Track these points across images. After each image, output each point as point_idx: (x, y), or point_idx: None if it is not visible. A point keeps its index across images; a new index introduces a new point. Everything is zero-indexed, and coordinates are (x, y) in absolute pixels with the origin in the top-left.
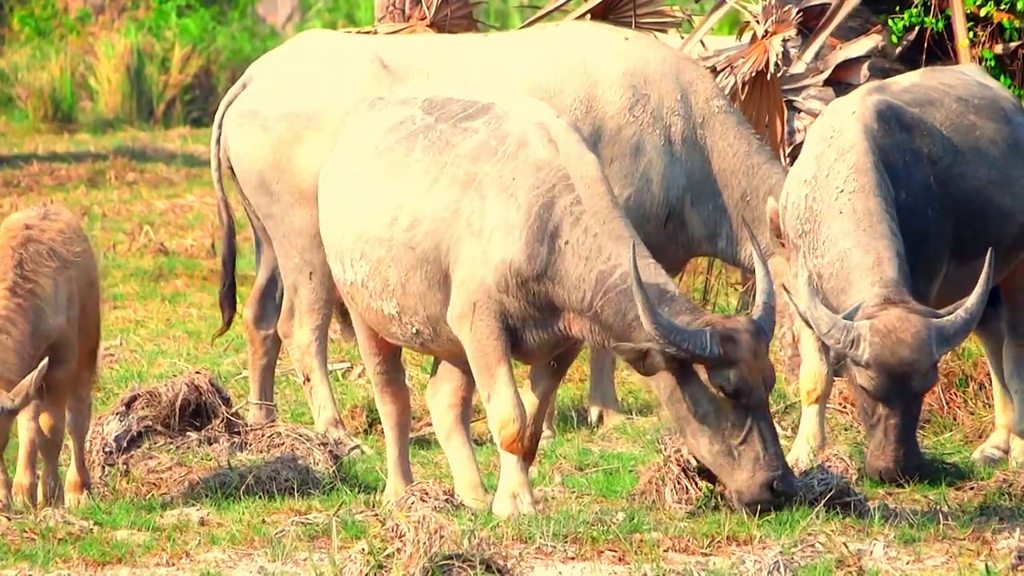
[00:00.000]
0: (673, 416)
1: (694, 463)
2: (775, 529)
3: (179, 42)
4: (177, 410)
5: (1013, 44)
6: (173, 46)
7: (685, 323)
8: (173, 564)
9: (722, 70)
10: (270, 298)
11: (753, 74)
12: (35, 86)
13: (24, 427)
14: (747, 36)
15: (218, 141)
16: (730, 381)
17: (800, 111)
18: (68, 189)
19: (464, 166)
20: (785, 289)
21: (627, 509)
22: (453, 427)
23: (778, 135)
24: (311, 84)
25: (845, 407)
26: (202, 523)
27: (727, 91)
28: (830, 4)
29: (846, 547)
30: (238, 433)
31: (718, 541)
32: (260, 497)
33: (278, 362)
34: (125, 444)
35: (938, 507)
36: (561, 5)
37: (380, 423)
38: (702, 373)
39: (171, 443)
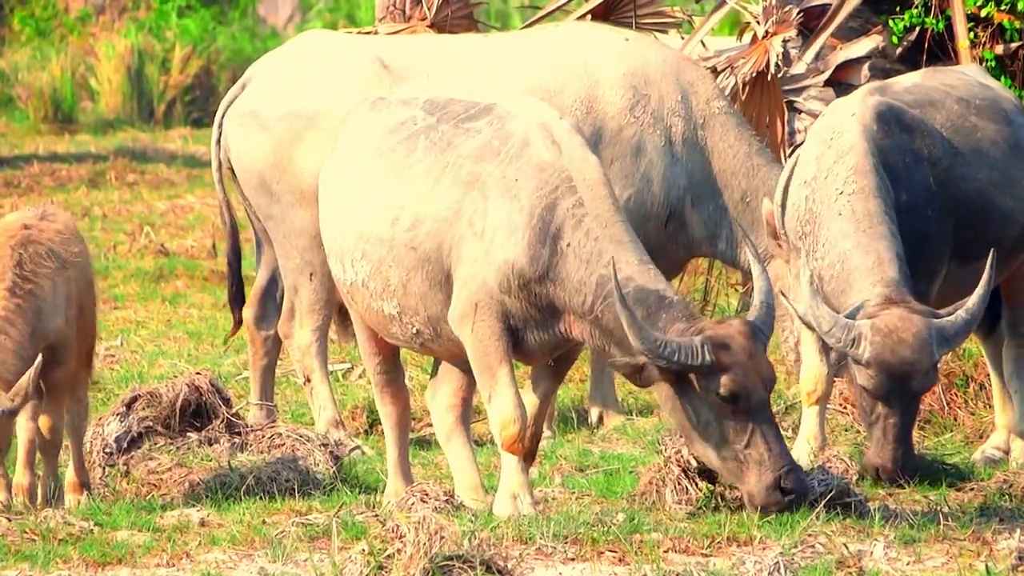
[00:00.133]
0: (676, 425)
1: (694, 464)
2: (775, 530)
3: (180, 42)
4: (178, 411)
5: (1014, 45)
6: (174, 46)
7: (680, 330)
8: (173, 565)
9: (722, 71)
10: (271, 299)
11: (754, 75)
12: (35, 86)
13: (23, 427)
14: (747, 37)
15: (218, 142)
16: (726, 388)
17: (801, 112)
18: (69, 190)
19: (466, 166)
20: (783, 294)
21: (627, 510)
22: (453, 428)
23: (778, 136)
24: (311, 84)
25: (845, 408)
26: (202, 524)
27: (728, 92)
28: (831, 5)
29: (846, 548)
30: (239, 434)
31: (718, 542)
32: (260, 498)
33: (279, 363)
34: (125, 445)
35: (938, 508)
36: (562, 5)
37: (380, 424)
38: (698, 382)
39: (171, 444)
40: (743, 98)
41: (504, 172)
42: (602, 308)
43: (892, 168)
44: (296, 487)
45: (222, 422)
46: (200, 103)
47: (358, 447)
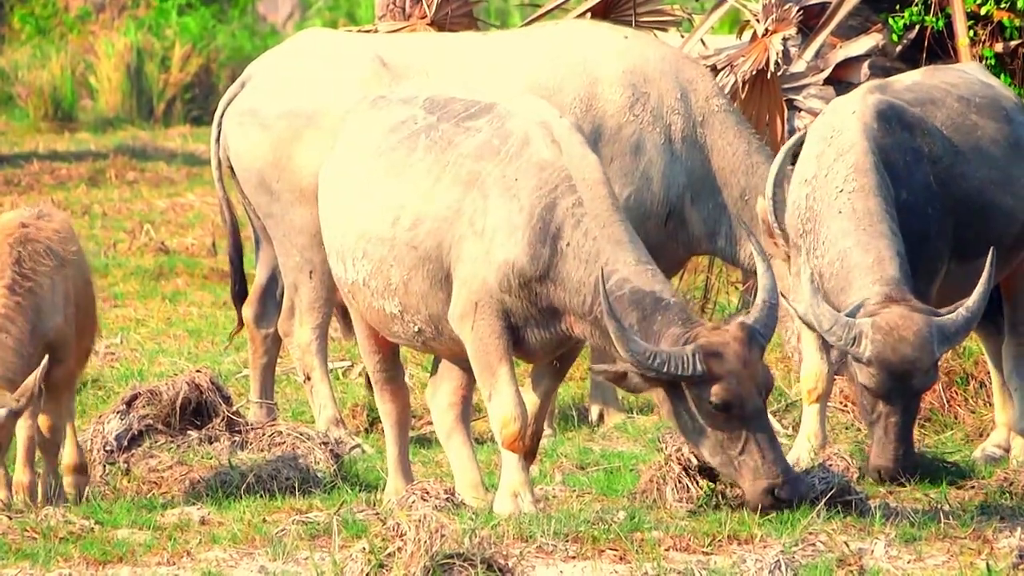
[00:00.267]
0: (675, 428)
1: (695, 462)
2: (776, 528)
3: (179, 41)
4: (178, 409)
5: (1013, 42)
6: (173, 45)
7: (674, 337)
8: (174, 563)
9: (722, 69)
10: (270, 297)
11: (753, 73)
12: (35, 85)
13: (22, 426)
14: (747, 35)
15: (218, 140)
16: (718, 397)
17: (800, 110)
18: (68, 188)
19: (467, 165)
20: (782, 295)
21: (628, 508)
22: (453, 426)
23: (778, 134)
24: (311, 83)
25: (846, 406)
26: (203, 522)
27: (727, 90)
28: (830, 3)
29: (847, 546)
30: (239, 432)
31: (719, 540)
32: (261, 496)
33: (279, 361)
34: (126, 443)
35: (939, 506)
36: (561, 3)
37: (381, 422)
38: (689, 391)
39: (172, 442)
40: (743, 96)
41: (504, 171)
42: (600, 309)
43: (892, 166)
44: (296, 485)
45: (222, 420)
46: (200, 101)
47: (358, 445)
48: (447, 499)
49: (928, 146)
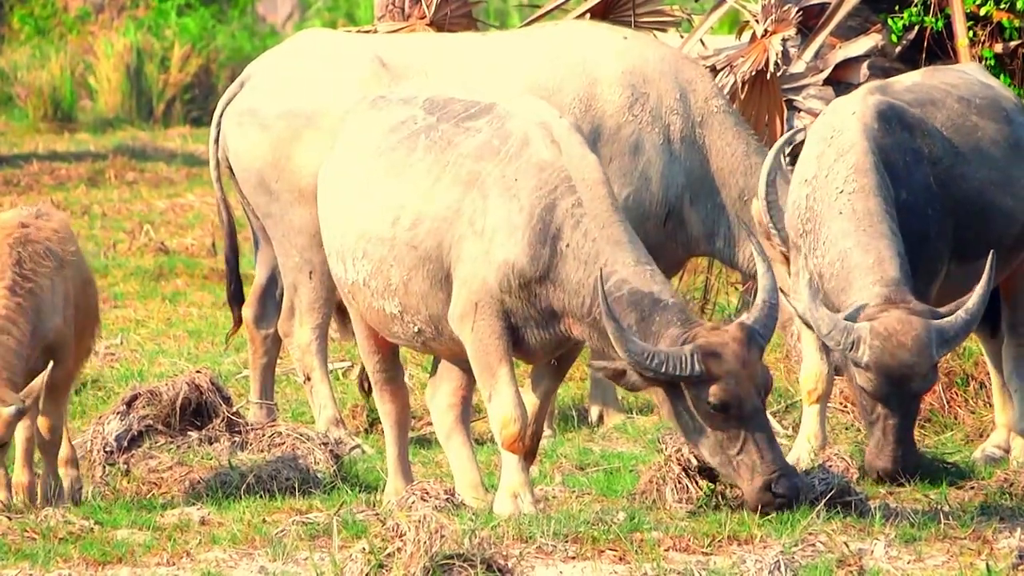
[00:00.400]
0: (674, 428)
1: (695, 462)
2: (776, 528)
3: (179, 41)
4: (178, 409)
5: (1013, 43)
6: (173, 45)
7: (673, 337)
8: (174, 564)
9: (721, 69)
10: (270, 297)
11: (753, 73)
12: (35, 85)
13: (21, 426)
14: (747, 35)
15: (217, 140)
16: (716, 398)
17: (800, 110)
18: (68, 188)
19: (467, 165)
20: (783, 292)
21: (628, 508)
22: (453, 426)
23: (778, 135)
24: (310, 83)
25: (846, 406)
26: (203, 522)
27: (727, 90)
28: (830, 3)
29: (847, 546)
30: (239, 432)
31: (719, 540)
32: (261, 496)
33: (278, 361)
34: (126, 443)
35: (939, 506)
36: (561, 4)
37: (380, 422)
38: (688, 391)
39: (172, 442)
40: (742, 97)
41: (504, 171)
42: (600, 311)
43: (892, 167)
44: (296, 486)
45: (222, 421)
46: (199, 101)
47: (358, 446)
48: (447, 500)
49: (928, 147)
